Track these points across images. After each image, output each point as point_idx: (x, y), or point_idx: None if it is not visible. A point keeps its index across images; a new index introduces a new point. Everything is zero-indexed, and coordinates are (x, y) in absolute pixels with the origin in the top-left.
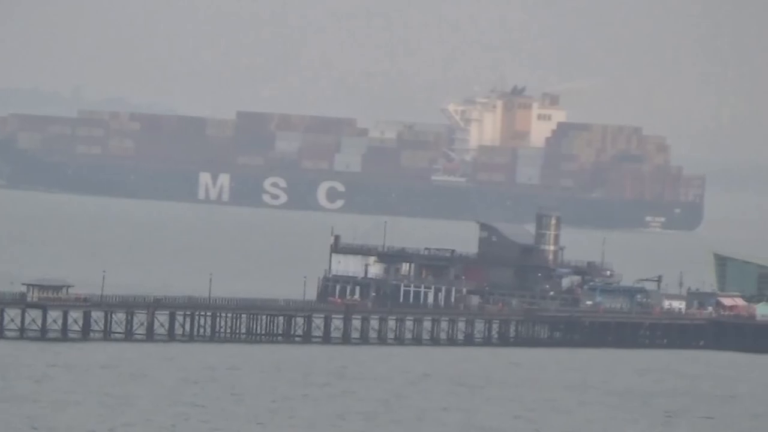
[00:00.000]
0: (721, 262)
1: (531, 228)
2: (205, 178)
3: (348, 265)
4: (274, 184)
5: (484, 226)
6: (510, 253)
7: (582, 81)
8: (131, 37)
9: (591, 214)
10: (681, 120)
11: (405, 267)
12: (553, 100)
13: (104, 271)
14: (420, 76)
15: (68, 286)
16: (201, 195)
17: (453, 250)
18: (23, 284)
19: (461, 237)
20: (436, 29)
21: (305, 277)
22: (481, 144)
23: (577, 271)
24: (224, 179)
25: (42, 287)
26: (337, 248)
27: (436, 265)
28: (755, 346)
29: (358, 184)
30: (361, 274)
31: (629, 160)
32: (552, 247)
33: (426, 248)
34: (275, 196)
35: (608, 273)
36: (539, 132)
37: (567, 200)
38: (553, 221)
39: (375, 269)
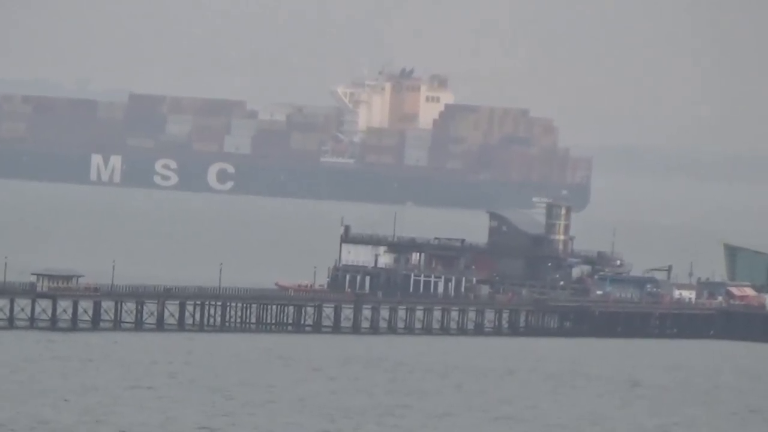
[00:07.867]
0: (732, 253)
1: (541, 217)
2: (96, 160)
3: (358, 255)
4: (165, 166)
5: (494, 216)
6: (520, 243)
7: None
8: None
9: (478, 196)
10: (568, 102)
11: (415, 257)
12: (441, 82)
13: (114, 261)
14: (309, 58)
15: (78, 276)
16: (93, 177)
17: (463, 240)
18: (33, 274)
19: (469, 226)
20: (326, 10)
21: (315, 267)
22: (369, 126)
23: (587, 260)
24: (116, 161)
25: (52, 277)
26: (348, 238)
27: (446, 255)
28: (765, 335)
29: (247, 166)
30: (372, 264)
31: (516, 142)
32: (562, 237)
33: (436, 238)
34: (166, 178)
35: (618, 263)
36: (427, 114)
37: (454, 182)
38: (564, 211)
39: (385, 259)
